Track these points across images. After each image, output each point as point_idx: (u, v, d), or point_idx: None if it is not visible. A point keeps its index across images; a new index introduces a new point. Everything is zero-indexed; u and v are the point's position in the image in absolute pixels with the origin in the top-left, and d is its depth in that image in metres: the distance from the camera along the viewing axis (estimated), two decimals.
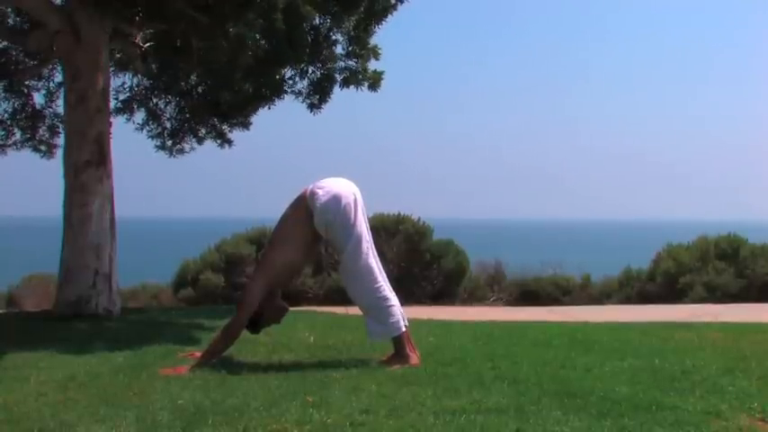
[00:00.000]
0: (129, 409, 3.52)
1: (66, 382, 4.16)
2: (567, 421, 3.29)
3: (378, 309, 4.81)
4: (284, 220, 4.91)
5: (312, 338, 5.80)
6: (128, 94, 9.77)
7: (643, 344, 5.75)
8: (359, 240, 4.78)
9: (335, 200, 4.73)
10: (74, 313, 7.32)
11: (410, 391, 3.85)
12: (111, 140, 7.90)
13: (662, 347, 5.55)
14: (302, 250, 4.91)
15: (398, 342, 4.82)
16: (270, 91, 8.91)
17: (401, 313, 4.86)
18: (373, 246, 4.91)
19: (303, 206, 4.80)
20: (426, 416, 3.37)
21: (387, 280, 4.92)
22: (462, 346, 5.50)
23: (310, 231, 4.82)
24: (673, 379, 4.25)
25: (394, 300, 4.86)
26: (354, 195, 4.80)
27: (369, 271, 4.81)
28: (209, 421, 3.29)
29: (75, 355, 5.08)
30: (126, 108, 9.78)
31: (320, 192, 4.75)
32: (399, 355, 4.80)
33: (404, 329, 4.83)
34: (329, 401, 3.61)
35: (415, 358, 4.78)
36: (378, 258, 4.92)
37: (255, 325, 4.93)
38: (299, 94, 9.05)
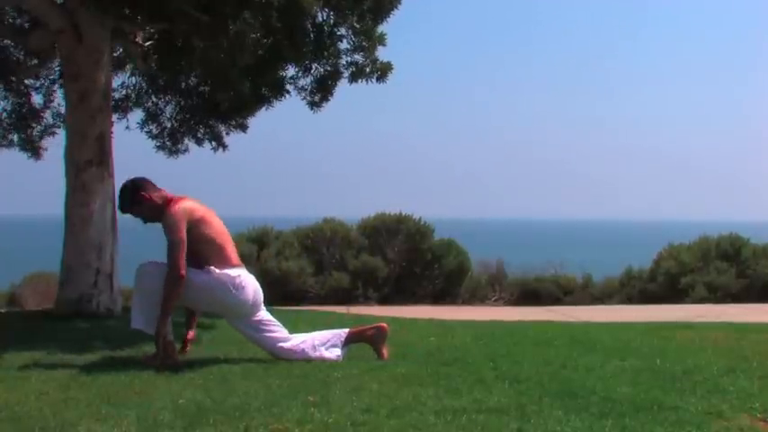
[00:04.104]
0: (131, 408, 3.53)
1: (67, 381, 4.16)
2: (568, 421, 3.29)
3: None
4: None
5: None
6: (124, 93, 9.75)
7: (644, 344, 5.74)
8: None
9: None
10: (75, 312, 7.31)
11: (411, 390, 3.86)
12: (112, 140, 7.90)
13: (663, 347, 5.55)
14: None
15: (359, 339, 4.96)
16: (270, 91, 8.86)
17: (309, 345, 4.86)
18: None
19: None
20: (427, 415, 3.37)
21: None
22: (463, 346, 5.50)
23: None
24: (674, 379, 4.25)
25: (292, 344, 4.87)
26: None
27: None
28: (211, 420, 3.29)
29: (76, 354, 5.08)
30: (120, 107, 9.75)
31: None
32: (377, 344, 4.93)
33: (333, 356, 4.83)
34: (330, 401, 3.61)
35: (370, 329, 4.96)
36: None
37: None
38: (301, 89, 8.99)
